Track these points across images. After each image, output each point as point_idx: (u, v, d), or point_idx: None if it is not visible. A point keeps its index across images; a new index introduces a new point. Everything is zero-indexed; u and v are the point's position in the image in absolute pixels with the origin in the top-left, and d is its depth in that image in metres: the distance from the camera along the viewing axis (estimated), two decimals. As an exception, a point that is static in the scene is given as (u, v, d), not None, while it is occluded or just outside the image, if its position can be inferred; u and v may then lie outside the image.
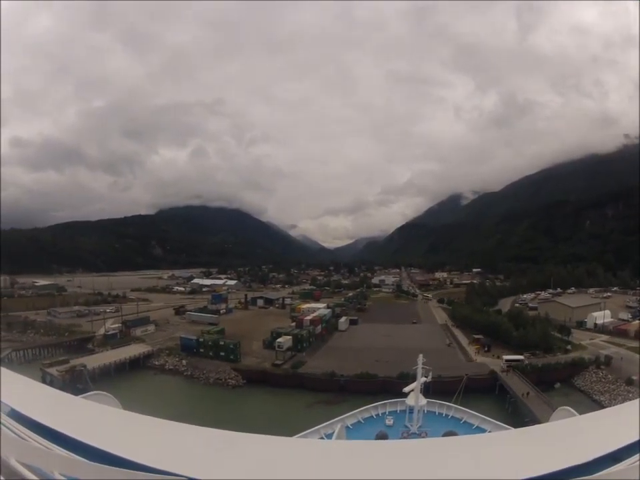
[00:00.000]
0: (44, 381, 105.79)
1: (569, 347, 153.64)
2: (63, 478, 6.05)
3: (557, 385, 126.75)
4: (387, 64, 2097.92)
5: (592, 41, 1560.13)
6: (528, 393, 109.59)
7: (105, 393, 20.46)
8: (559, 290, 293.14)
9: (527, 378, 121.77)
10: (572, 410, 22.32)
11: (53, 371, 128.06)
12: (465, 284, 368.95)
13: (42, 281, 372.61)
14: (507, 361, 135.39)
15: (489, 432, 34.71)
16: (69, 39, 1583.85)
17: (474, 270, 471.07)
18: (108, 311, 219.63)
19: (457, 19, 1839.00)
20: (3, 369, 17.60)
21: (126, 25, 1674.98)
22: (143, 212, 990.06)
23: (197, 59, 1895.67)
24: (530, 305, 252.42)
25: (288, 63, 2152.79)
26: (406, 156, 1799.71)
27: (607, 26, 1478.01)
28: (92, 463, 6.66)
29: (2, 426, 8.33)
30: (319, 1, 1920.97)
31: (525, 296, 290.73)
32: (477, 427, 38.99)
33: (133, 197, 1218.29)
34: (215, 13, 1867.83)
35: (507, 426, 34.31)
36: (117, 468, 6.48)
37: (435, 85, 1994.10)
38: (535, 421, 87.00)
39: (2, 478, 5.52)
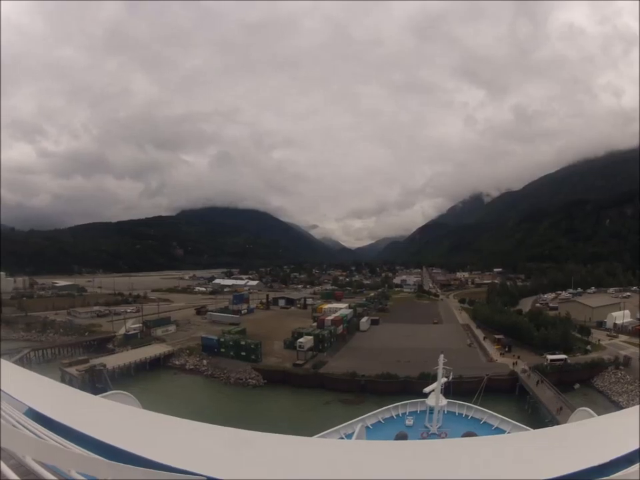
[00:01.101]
0: (63, 381, 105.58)
1: (588, 347, 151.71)
2: (79, 477, 6.05)
3: (577, 386, 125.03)
4: (389, 74, 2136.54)
5: (611, 37, 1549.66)
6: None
7: (124, 392, 20.44)
8: (579, 290, 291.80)
9: (547, 379, 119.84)
10: (590, 411, 22.22)
11: (73, 370, 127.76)
12: (486, 284, 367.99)
13: (62, 282, 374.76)
14: (551, 360, 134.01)
15: (508, 433, 34.61)
16: (93, 64, 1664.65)
17: (495, 270, 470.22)
18: (129, 311, 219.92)
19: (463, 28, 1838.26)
20: (21, 369, 17.59)
21: (147, 50, 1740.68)
22: (164, 213, 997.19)
23: (211, 78, 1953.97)
24: (550, 304, 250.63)
25: (295, 78, 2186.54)
26: (420, 158, 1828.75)
27: (622, 22, 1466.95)
28: (109, 461, 6.69)
29: (19, 425, 8.38)
30: (317, 21, 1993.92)
31: (545, 296, 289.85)
32: (497, 427, 39.27)
33: (155, 199, 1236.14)
34: (223, 37, 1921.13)
35: (526, 427, 34.86)
36: (135, 466, 6.56)
37: (443, 91, 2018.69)
38: (554, 422, 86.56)
39: (17, 477, 5.40)
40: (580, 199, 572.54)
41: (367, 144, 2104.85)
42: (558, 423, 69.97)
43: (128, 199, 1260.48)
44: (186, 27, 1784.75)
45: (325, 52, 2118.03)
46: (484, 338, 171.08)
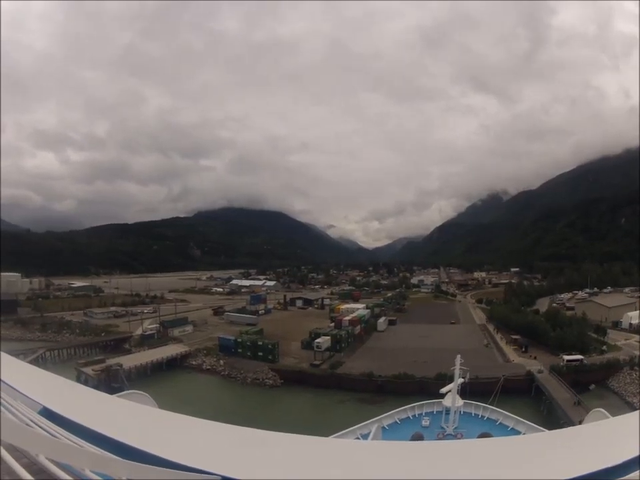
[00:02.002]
0: (79, 380, 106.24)
1: (604, 347, 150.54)
2: (94, 476, 6.05)
3: (592, 387, 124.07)
4: (391, 83, 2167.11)
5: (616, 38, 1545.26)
6: (579, 402, 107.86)
7: (140, 391, 20.25)
8: (595, 289, 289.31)
9: (563, 380, 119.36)
10: (605, 412, 22.09)
11: (88, 370, 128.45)
12: (503, 284, 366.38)
13: (78, 283, 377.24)
14: (568, 361, 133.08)
15: (524, 434, 34.47)
16: (113, 80, 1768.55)
17: (512, 269, 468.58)
18: (145, 311, 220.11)
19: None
20: (35, 368, 17.47)
21: (161, 68, 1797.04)
22: (181, 214, 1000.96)
23: (222, 91, 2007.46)
24: (567, 304, 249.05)
25: (301, 90, 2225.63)
26: (432, 160, 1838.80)
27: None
28: (123, 460, 6.66)
29: (33, 424, 8.33)
30: (318, 38, 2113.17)
31: (562, 296, 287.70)
32: (512, 428, 38.57)
33: (174, 202, 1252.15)
34: (230, 55, 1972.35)
35: (541, 428, 34.38)
36: (149, 465, 6.54)
37: (447, 97, 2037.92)
38: (569, 423, 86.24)
39: (30, 476, 5.38)
40: (595, 198, 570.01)
41: (377, 149, 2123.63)
42: (573, 424, 69.63)
43: (147, 202, 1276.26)
44: (196, 46, 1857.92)
45: (326, 66, 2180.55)
46: (501, 339, 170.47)
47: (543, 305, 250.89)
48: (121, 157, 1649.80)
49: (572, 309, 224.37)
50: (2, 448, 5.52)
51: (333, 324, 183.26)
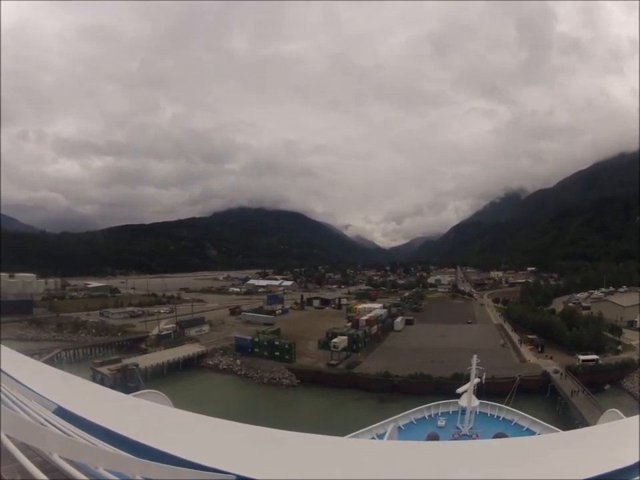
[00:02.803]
0: (94, 380, 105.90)
1: (619, 347, 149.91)
2: (108, 474, 5.98)
3: (607, 387, 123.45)
4: (395, 91, 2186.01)
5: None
6: (577, 392, 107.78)
7: (156, 391, 20.24)
8: (610, 288, 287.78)
9: (578, 380, 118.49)
10: (619, 412, 22.07)
11: (104, 369, 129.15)
12: (520, 283, 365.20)
13: (94, 283, 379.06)
14: (583, 361, 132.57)
15: (538, 434, 34.44)
16: (130, 93, 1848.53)
17: (528, 269, 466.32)
18: (162, 311, 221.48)
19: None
20: (50, 367, 17.40)
21: (176, 81, 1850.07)
22: (198, 215, 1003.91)
23: (234, 102, 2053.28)
24: (583, 304, 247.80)
25: (307, 100, 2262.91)
26: (445, 162, 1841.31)
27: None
28: (138, 458, 6.51)
29: (47, 422, 8.30)
30: (322, 52, 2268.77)
31: (578, 295, 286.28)
32: (527, 429, 38.86)
33: (193, 203, 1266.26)
34: (239, 70, 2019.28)
35: (555, 428, 34.65)
36: (163, 464, 6.57)
37: (451, 102, 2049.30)
38: (583, 423, 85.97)
39: (42, 475, 5.32)
40: (610, 196, 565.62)
41: (388, 152, 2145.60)
42: (588, 425, 69.41)
43: (167, 204, 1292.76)
44: (209, 62, 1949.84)
45: (331, 77, 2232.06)
46: (518, 339, 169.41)
47: (559, 304, 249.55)
48: (141, 162, 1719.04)
49: (588, 308, 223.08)
50: (15, 446, 5.48)
51: (349, 324, 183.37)
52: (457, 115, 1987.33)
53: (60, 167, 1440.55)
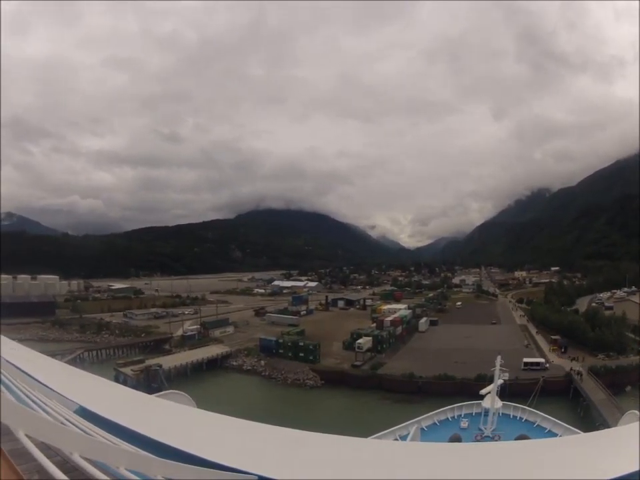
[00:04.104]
0: (117, 381, 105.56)
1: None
2: (129, 474, 5.88)
3: (628, 388, 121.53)
4: (404, 104, 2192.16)
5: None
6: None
7: (179, 391, 20.28)
8: (633, 288, 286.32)
9: (600, 381, 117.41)
10: (639, 413, 22.08)
11: (127, 370, 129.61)
12: (544, 283, 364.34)
13: (118, 284, 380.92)
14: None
15: (560, 436, 34.37)
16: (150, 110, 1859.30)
17: (552, 268, 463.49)
18: (186, 312, 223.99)
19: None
20: (72, 368, 17.43)
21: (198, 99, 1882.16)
22: (222, 216, 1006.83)
23: (252, 115, 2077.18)
24: (606, 304, 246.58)
25: (317, 113, 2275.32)
26: (463, 164, 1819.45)
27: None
28: (159, 458, 6.63)
29: (68, 422, 8.27)
30: (329, 71, 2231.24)
31: (601, 295, 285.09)
32: (549, 430, 38.39)
33: (213, 204, 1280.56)
34: (254, 88, 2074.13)
35: (577, 430, 34.18)
36: (185, 464, 6.62)
37: (458, 110, 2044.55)
38: (604, 425, 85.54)
39: (62, 474, 5.22)
40: (631, 194, 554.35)
41: (406, 157, 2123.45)
42: (608, 426, 69.06)
43: (194, 208, 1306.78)
44: (228, 84, 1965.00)
45: (341, 93, 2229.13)
46: (543, 340, 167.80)
47: (582, 304, 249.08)
48: (171, 170, 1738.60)
49: (610, 308, 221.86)
50: (35, 446, 5.42)
51: (374, 324, 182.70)
52: (468, 120, 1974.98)
53: (90, 176, 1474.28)
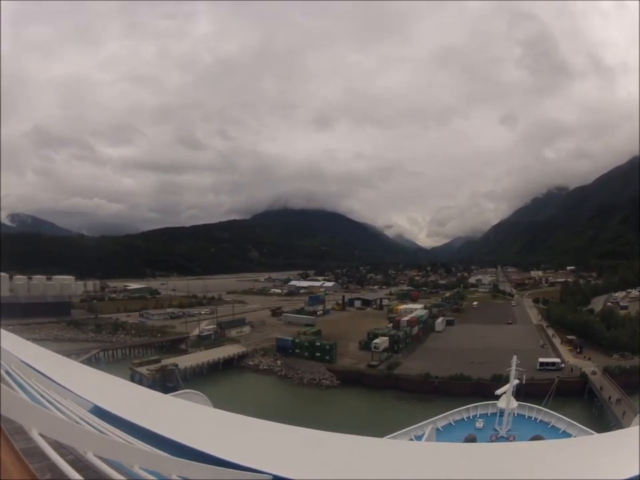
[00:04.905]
0: (132, 380, 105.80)
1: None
2: (143, 473, 5.93)
3: None
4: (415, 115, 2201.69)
5: None
6: (617, 400, 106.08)
7: (195, 391, 20.46)
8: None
9: (615, 381, 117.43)
10: None
11: (143, 370, 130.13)
12: (560, 282, 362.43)
13: (134, 285, 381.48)
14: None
15: (574, 437, 34.36)
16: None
17: (568, 268, 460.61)
18: (203, 312, 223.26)
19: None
20: (87, 367, 17.51)
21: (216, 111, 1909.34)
22: (238, 217, 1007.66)
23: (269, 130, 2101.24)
24: (621, 303, 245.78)
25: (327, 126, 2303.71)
26: (478, 164, 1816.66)
27: None
28: (174, 457, 6.75)
29: (82, 421, 8.32)
30: (337, 86, 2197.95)
31: (616, 294, 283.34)
32: (563, 431, 38.59)
33: (230, 204, 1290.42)
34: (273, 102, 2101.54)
35: (591, 431, 34.48)
36: (200, 463, 6.72)
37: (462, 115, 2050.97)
38: (618, 425, 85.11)
39: (76, 473, 5.15)
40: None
41: (419, 160, 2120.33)
42: (622, 427, 68.81)
43: (213, 211, 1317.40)
44: (243, 98, 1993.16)
45: (351, 104, 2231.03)
46: (559, 340, 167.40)
47: (597, 304, 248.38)
48: (189, 173, 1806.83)
49: (625, 307, 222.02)
50: (48, 444, 5.35)
51: (391, 324, 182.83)
52: (478, 123, 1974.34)
53: (109, 179, 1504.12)
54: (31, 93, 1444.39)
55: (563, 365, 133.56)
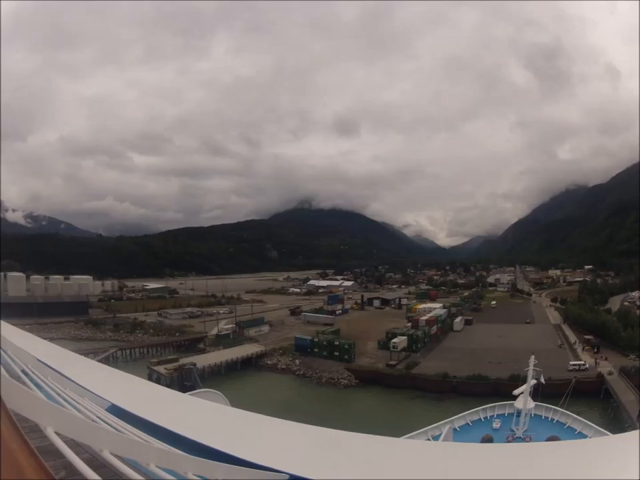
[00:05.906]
0: (150, 379, 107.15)
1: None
2: (159, 471, 5.99)
3: None
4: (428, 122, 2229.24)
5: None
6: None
7: (213, 390, 20.64)
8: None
9: (631, 382, 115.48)
10: None
11: (161, 369, 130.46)
12: (577, 282, 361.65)
13: (153, 284, 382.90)
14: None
15: (589, 437, 34.57)
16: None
17: (586, 267, 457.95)
18: (221, 312, 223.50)
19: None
20: (104, 366, 17.65)
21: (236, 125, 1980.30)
22: (257, 217, 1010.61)
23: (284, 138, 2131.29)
24: (638, 303, 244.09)
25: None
26: (498, 163, 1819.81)
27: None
28: (190, 456, 6.86)
29: (98, 420, 8.44)
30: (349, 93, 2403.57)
31: (633, 294, 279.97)
32: (579, 432, 38.52)
33: (248, 203, 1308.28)
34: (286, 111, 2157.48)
35: (606, 432, 34.39)
36: (216, 462, 6.80)
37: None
38: (633, 426, 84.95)
39: (93, 472, 5.14)
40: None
41: (434, 161, 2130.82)
42: (637, 428, 68.63)
43: (235, 212, 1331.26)
44: (259, 110, 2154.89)
45: (361, 113, 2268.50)
46: (574, 342, 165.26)
47: (615, 303, 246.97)
48: (218, 180, 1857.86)
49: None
50: (63, 443, 5.41)
51: (409, 324, 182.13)
52: (491, 127, 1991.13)
53: (134, 182, 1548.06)
54: (68, 109, 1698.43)
55: (587, 366, 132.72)
